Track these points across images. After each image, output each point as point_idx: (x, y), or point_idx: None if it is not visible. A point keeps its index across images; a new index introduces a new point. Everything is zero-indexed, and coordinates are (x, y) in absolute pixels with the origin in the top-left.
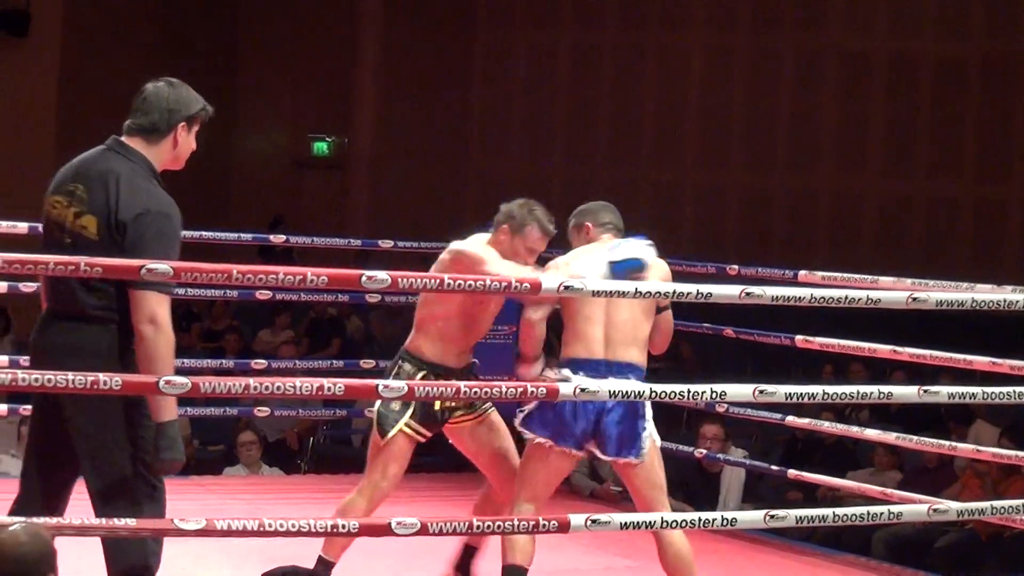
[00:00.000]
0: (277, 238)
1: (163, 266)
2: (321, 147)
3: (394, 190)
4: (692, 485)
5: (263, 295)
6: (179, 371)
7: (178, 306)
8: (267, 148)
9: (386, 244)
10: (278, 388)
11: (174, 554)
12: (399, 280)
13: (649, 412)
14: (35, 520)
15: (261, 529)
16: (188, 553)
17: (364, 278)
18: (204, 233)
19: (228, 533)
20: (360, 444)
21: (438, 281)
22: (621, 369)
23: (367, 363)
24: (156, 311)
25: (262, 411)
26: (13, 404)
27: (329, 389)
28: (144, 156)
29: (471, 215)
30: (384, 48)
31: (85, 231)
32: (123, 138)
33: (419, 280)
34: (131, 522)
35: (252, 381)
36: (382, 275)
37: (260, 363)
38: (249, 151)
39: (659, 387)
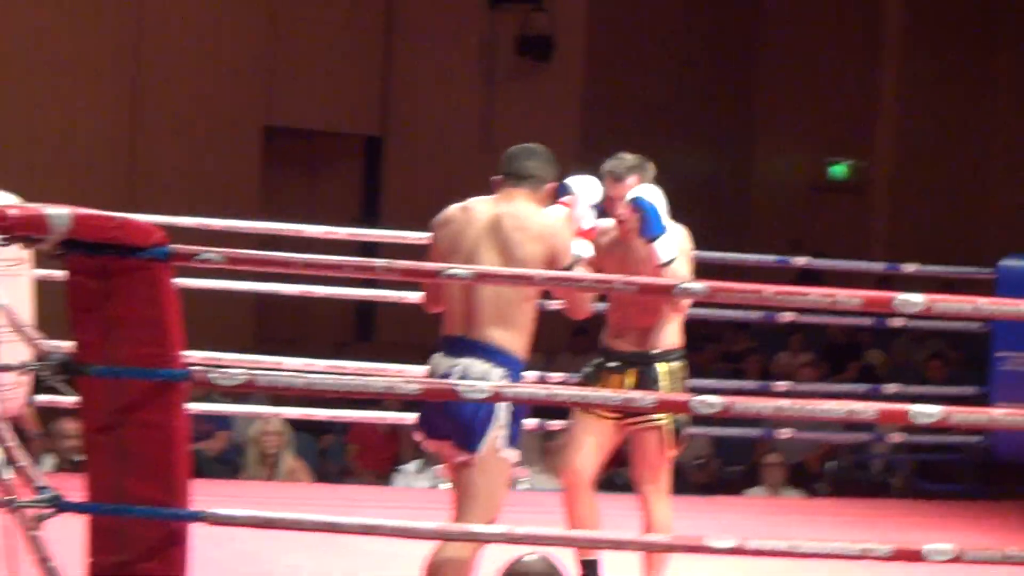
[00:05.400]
0: (798, 261)
1: (699, 286)
2: (838, 170)
3: (915, 214)
4: None
5: (786, 317)
6: (706, 391)
7: (695, 327)
8: (784, 171)
9: (909, 268)
10: (809, 409)
11: None
12: (933, 305)
13: (505, 416)
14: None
15: (788, 551)
16: None
17: (897, 300)
18: (727, 255)
19: (758, 553)
20: (882, 469)
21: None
22: (482, 349)
23: (889, 388)
24: None
25: (784, 433)
26: (541, 418)
27: (860, 412)
28: None
29: (993, 242)
30: (905, 74)
31: None
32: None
33: (956, 304)
34: (663, 538)
35: (784, 402)
36: (916, 298)
37: (781, 385)
38: (767, 173)
39: None
